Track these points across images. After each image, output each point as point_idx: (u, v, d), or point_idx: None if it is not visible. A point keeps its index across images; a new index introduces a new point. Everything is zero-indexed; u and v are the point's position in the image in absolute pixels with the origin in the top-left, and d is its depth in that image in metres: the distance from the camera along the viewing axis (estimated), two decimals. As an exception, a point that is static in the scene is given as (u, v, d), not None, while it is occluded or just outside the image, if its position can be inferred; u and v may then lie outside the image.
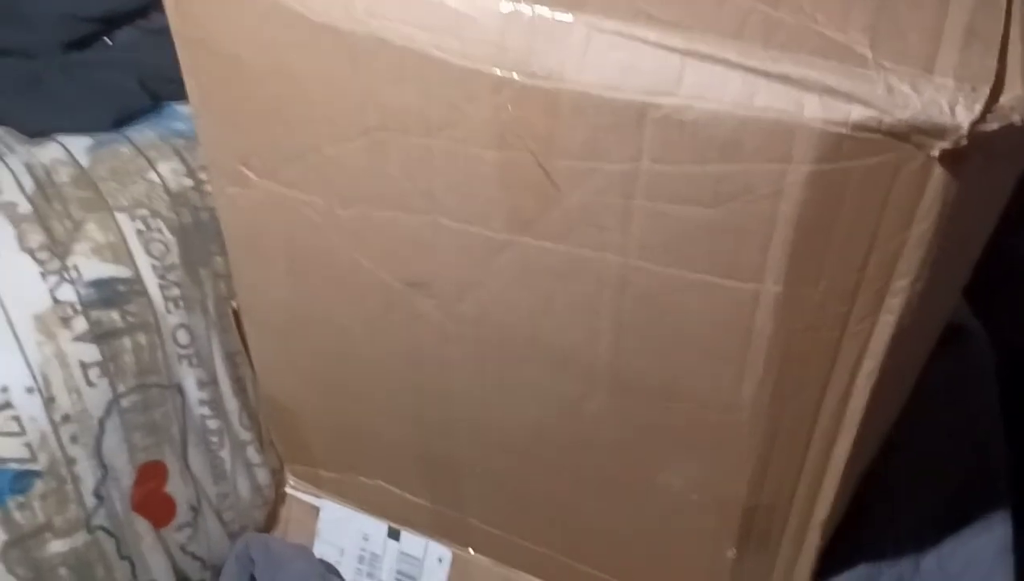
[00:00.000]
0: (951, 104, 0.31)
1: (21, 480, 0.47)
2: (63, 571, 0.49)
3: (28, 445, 0.48)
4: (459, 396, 0.50)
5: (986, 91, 0.31)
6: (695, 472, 0.46)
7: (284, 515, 0.64)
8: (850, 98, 0.32)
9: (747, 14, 0.35)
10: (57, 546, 0.49)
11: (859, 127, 0.32)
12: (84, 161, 0.57)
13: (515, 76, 0.36)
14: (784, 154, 0.34)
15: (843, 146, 0.33)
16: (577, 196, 0.39)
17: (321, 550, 0.63)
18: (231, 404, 0.58)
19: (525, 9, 0.36)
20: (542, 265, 0.42)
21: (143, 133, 0.60)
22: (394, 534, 0.61)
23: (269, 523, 0.63)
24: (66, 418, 0.49)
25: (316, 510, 0.63)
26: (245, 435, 0.59)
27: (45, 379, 0.48)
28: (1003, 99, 0.32)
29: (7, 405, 0.47)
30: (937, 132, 0.31)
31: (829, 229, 0.35)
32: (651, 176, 0.37)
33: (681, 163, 0.36)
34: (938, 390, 0.51)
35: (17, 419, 0.47)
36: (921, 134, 0.32)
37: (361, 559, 0.62)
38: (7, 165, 0.56)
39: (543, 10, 0.36)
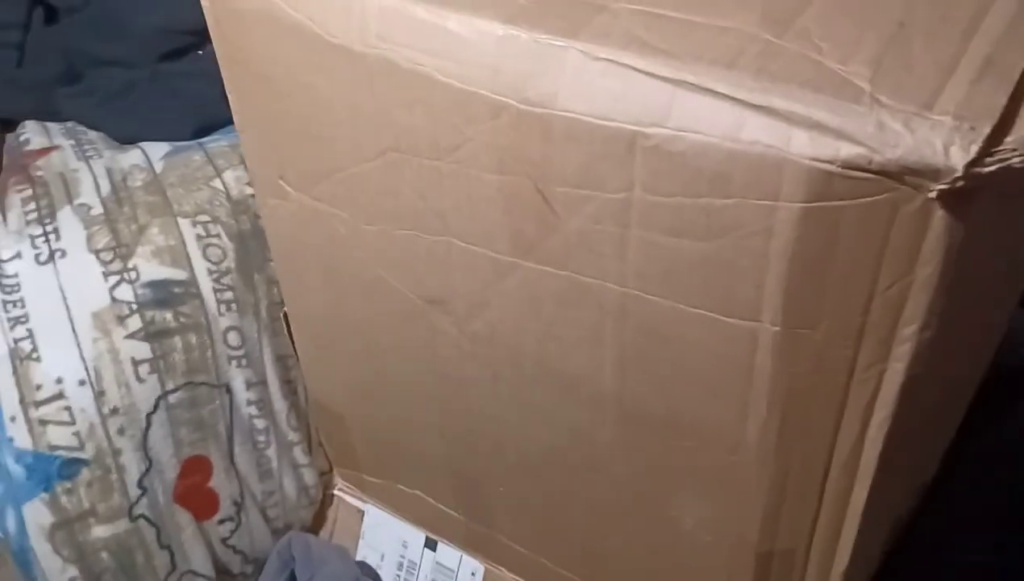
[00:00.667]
0: (946, 144, 0.29)
1: (69, 467, 0.51)
2: (104, 555, 0.53)
3: (77, 434, 0.51)
4: (478, 414, 0.50)
5: (986, 130, 0.29)
6: (705, 511, 0.44)
7: (332, 516, 0.66)
8: (839, 134, 0.30)
9: (747, 42, 0.33)
10: (100, 531, 0.52)
11: (849, 165, 0.30)
12: (158, 167, 0.60)
13: (511, 101, 0.36)
14: (773, 190, 0.32)
15: (834, 184, 0.31)
16: (575, 222, 0.38)
17: (364, 553, 0.64)
18: (279, 405, 0.60)
19: (521, 34, 0.36)
20: (546, 289, 0.41)
21: (218, 142, 0.63)
22: (431, 544, 0.62)
23: (317, 522, 0.65)
24: (115, 411, 0.52)
25: (361, 513, 0.65)
26: (293, 436, 0.62)
27: (97, 373, 0.52)
28: (1009, 138, 0.29)
29: (60, 396, 0.51)
30: (931, 173, 0.29)
31: (825, 269, 0.33)
32: (644, 206, 0.36)
33: (672, 194, 0.34)
34: (1000, 445, 0.47)
35: (68, 410, 0.51)
36: (915, 175, 0.30)
37: (400, 565, 0.63)
38: (91, 169, 0.60)
39: (538, 35, 0.35)
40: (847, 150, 0.30)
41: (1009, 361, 0.46)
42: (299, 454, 0.62)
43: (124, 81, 0.70)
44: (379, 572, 0.63)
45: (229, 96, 0.49)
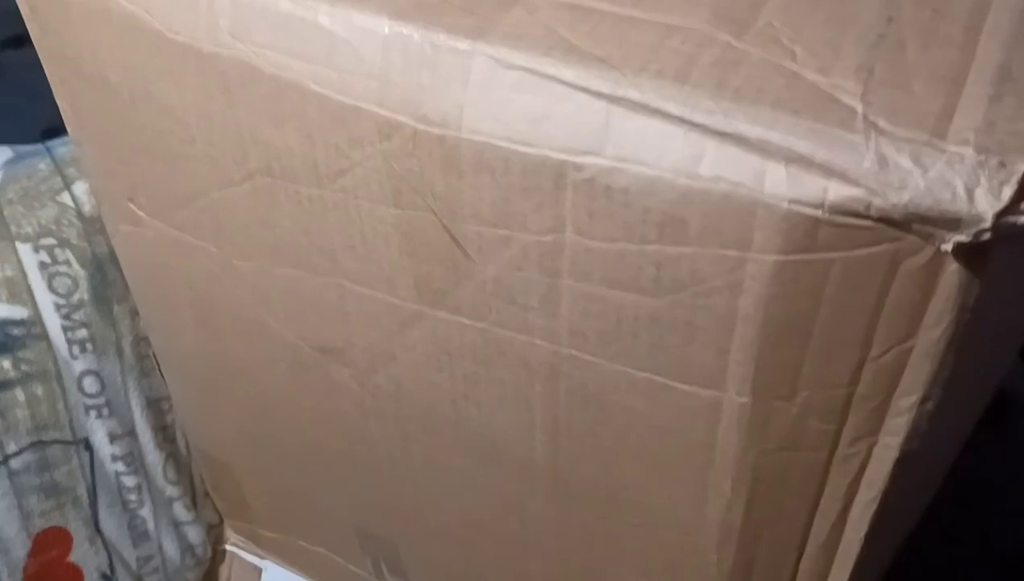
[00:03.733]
0: (969, 185, 0.22)
1: None
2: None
3: None
4: (388, 475, 0.43)
5: (1021, 167, 0.22)
6: (654, 592, 0.38)
7: (225, 573, 0.57)
8: (826, 171, 0.23)
9: (700, 45, 0.26)
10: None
11: (840, 209, 0.24)
12: (-4, 179, 0.50)
13: (405, 119, 0.28)
14: (741, 239, 0.25)
15: (820, 233, 0.24)
16: (492, 268, 0.31)
17: (265, 613, 0.57)
18: (153, 457, 0.52)
19: (413, 33, 0.28)
20: (460, 344, 0.34)
21: (68, 146, 0.53)
22: (341, 604, 0.54)
23: (209, 582, 0.57)
24: (-60, 486, 0.43)
25: (259, 571, 0.57)
26: (171, 491, 0.53)
27: (-85, 443, 0.42)
28: (1046, 177, 0.23)
29: None
30: (948, 222, 0.23)
31: (805, 333, 0.27)
32: (578, 252, 0.28)
33: (613, 240, 0.27)
34: (978, 482, 0.42)
35: None
36: (926, 224, 0.23)
37: (306, 627, 0.55)
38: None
39: (435, 35, 0.27)
40: (838, 191, 0.23)
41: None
42: (181, 510, 0.54)
43: (-42, 72, 0.60)
44: (282, 635, 0.56)
45: (59, 102, 0.39)
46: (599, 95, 0.26)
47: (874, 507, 0.31)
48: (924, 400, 0.27)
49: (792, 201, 0.24)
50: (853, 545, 0.32)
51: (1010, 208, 0.22)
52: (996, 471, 0.42)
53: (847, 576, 0.34)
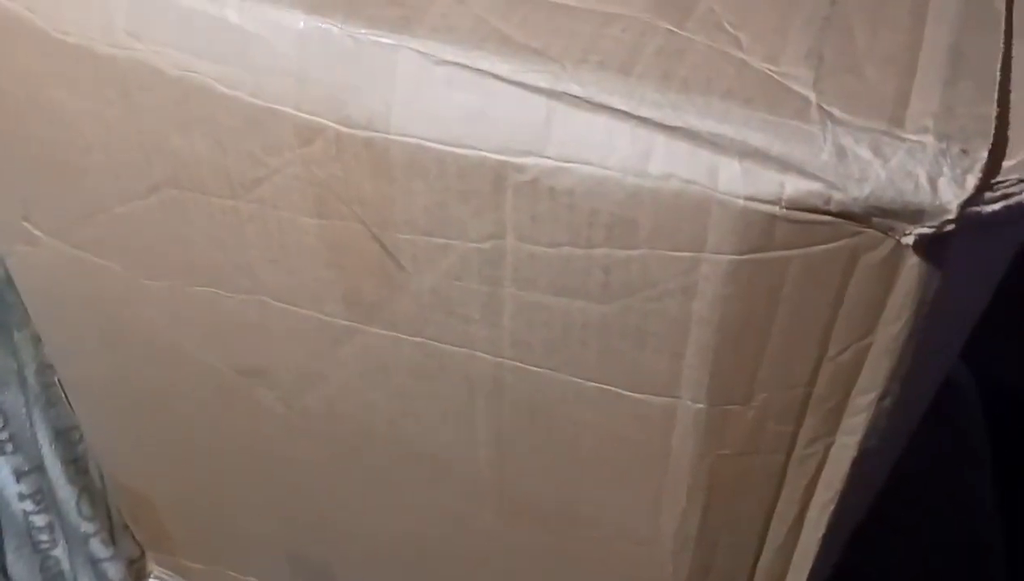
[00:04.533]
0: (931, 175, 0.21)
1: None
2: None
3: None
4: (321, 497, 0.40)
5: (982, 154, 0.21)
6: (609, 606, 0.36)
7: (149, 609, 0.54)
8: (783, 165, 0.22)
9: (641, 34, 0.25)
10: None
11: (797, 205, 0.22)
12: None
13: (327, 122, 0.26)
14: (694, 239, 0.24)
15: (776, 230, 0.23)
16: (428, 279, 0.29)
17: (194, 648, 0.53)
18: (65, 493, 0.48)
19: (332, 27, 0.25)
20: (396, 360, 0.32)
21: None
22: (276, 633, 0.52)
23: (131, 618, 0.54)
24: None
25: (186, 603, 0.53)
26: (87, 527, 0.49)
27: None
28: (1009, 163, 0.22)
29: None
30: (911, 215, 0.22)
31: (762, 334, 0.25)
32: (520, 258, 0.26)
33: (558, 244, 0.26)
34: (921, 471, 0.42)
35: None
36: (887, 217, 0.22)
37: (240, 660, 0.52)
38: None
39: (355, 28, 0.25)
40: (795, 186, 0.22)
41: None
42: (98, 547, 0.50)
43: None
44: (215, 670, 0.53)
45: (-63, 112, 0.36)
46: (538, 90, 0.24)
47: (831, 507, 0.30)
48: (882, 397, 0.26)
49: (748, 198, 0.22)
50: (810, 547, 0.32)
51: (974, 197, 0.21)
52: (943, 459, 0.42)
53: (804, 578, 0.33)
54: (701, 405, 0.27)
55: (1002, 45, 0.24)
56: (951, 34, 0.25)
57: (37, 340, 0.46)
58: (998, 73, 0.23)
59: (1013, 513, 0.44)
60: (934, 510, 0.43)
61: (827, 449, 0.28)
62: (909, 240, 0.22)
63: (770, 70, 0.24)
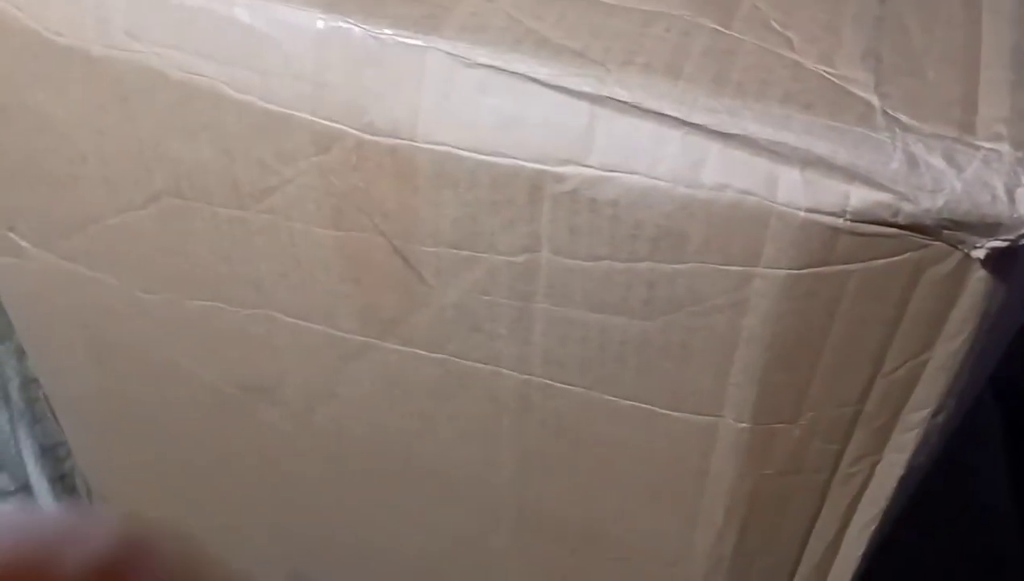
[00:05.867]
0: (1009, 186, 0.20)
1: None
2: None
3: None
4: (327, 516, 0.39)
5: (1062, 163, 0.20)
6: (634, 626, 0.35)
7: (140, 629, 0.52)
8: (849, 175, 0.21)
9: (687, 35, 0.23)
10: None
11: (863, 217, 0.21)
12: None
13: (347, 128, 0.24)
14: (749, 253, 0.22)
15: (838, 244, 0.22)
16: (453, 294, 0.27)
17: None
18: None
19: (353, 27, 0.24)
20: (413, 378, 0.30)
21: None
22: (274, 652, 0.50)
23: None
24: None
25: (179, 622, 0.51)
26: (75, 547, 0.47)
27: None
28: (1084, 172, 0.21)
29: None
30: (987, 228, 0.20)
31: (815, 352, 0.24)
32: (555, 272, 0.25)
33: (598, 258, 0.24)
34: (947, 474, 0.41)
35: None
36: (959, 229, 0.21)
37: (237, 680, 0.50)
38: None
39: (380, 29, 0.23)
40: (862, 197, 0.21)
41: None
42: (87, 567, 0.48)
43: None
44: None
45: (-87, 118, 0.33)
46: (580, 95, 0.22)
47: (874, 526, 0.29)
48: (936, 413, 0.25)
49: (809, 209, 0.21)
50: (849, 564, 0.30)
51: (1053, 208, 0.20)
52: (960, 469, 0.41)
53: (840, 595, 0.32)
54: (745, 424, 0.26)
55: (1065, 44, 0.23)
56: (1011, 31, 0.23)
57: (21, 353, 0.43)
58: (1067, 74, 0.22)
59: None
60: (951, 519, 0.42)
61: (873, 467, 0.27)
62: (980, 254, 0.21)
63: (827, 72, 0.22)
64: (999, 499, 0.43)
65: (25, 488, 0.45)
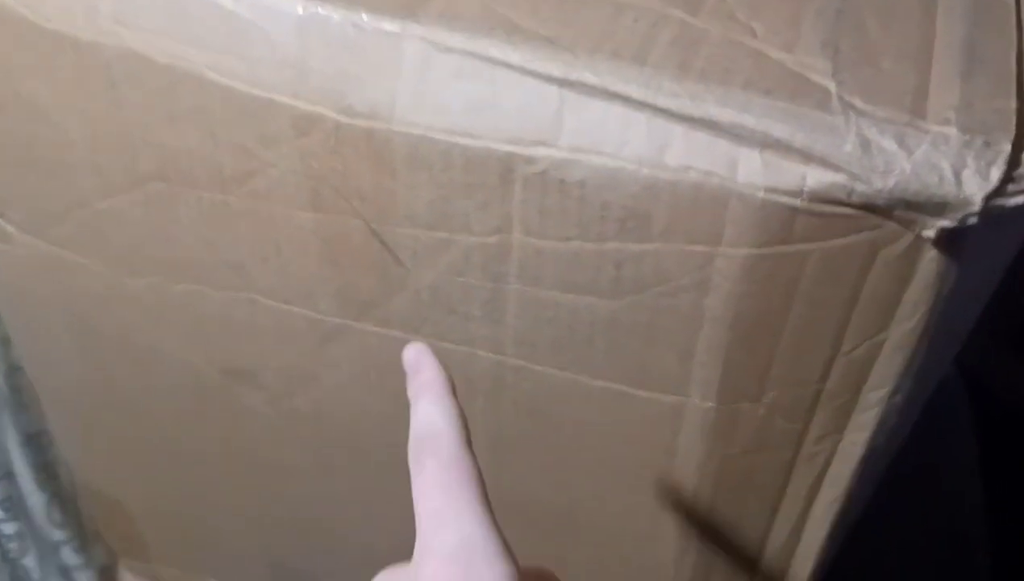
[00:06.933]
0: (956, 167, 0.21)
1: None
2: None
3: None
4: (309, 502, 0.39)
5: (1005, 147, 0.21)
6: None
7: (122, 617, 0.52)
8: (806, 156, 0.22)
9: (655, 24, 0.24)
10: None
11: (819, 198, 0.22)
12: None
13: (326, 112, 0.25)
14: (711, 232, 0.23)
15: (795, 223, 0.22)
16: (428, 275, 0.28)
17: (168, 658, 0.52)
18: (35, 499, 0.46)
19: (330, 14, 0.24)
20: (390, 359, 0.30)
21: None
22: (255, 642, 0.50)
23: (104, 628, 0.52)
24: None
25: (160, 612, 0.52)
26: (57, 534, 0.48)
27: None
28: (1028, 156, 0.22)
29: None
30: (935, 207, 0.21)
31: (776, 331, 0.25)
32: (526, 253, 0.26)
33: (567, 238, 0.25)
34: (909, 469, 0.42)
35: None
36: (910, 210, 0.21)
37: (217, 670, 0.51)
38: None
39: (359, 15, 0.24)
40: (818, 177, 0.22)
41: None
42: (69, 554, 0.48)
43: None
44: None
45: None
46: (550, 79, 0.23)
47: (837, 506, 0.30)
48: (893, 393, 0.26)
49: (768, 189, 0.22)
50: (814, 545, 0.31)
51: (998, 190, 0.21)
52: (931, 458, 0.42)
53: (808, 575, 0.33)
54: (710, 403, 0.27)
55: (1015, 39, 0.24)
56: (963, 27, 0.24)
57: (6, 341, 0.44)
58: (1014, 66, 0.23)
59: (999, 511, 0.45)
60: (922, 506, 0.43)
61: (835, 446, 0.28)
62: (930, 233, 0.22)
63: (787, 60, 0.23)
64: (968, 490, 0.44)
65: (8, 475, 0.45)
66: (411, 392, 0.21)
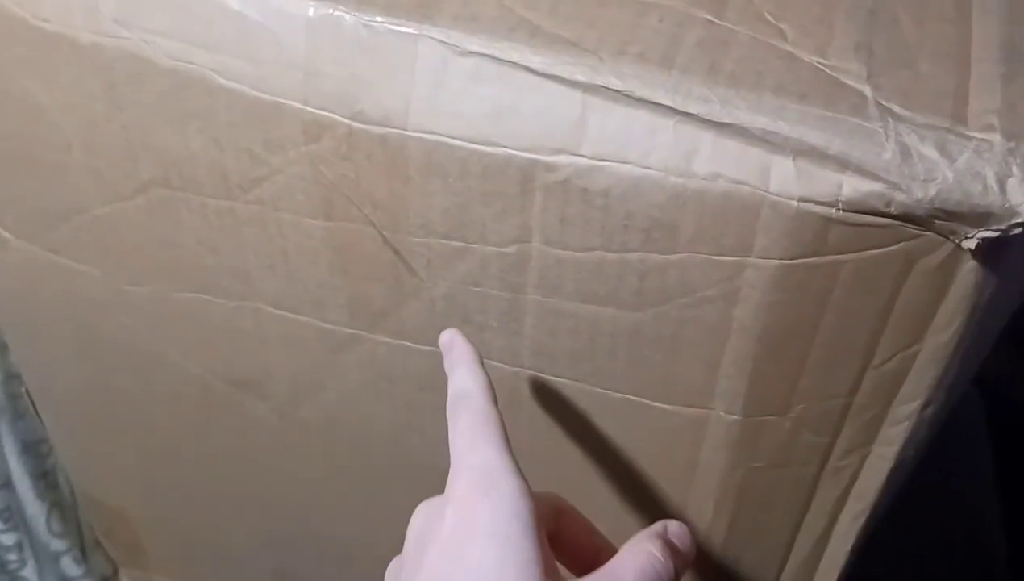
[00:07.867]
0: (1000, 176, 0.20)
1: None
2: None
3: None
4: (314, 511, 0.38)
5: (1053, 154, 0.20)
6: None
7: (122, 627, 0.51)
8: (842, 164, 0.21)
9: (681, 25, 0.23)
10: None
11: (856, 207, 0.21)
12: None
13: (338, 117, 0.24)
14: (740, 242, 0.22)
15: (830, 233, 0.22)
16: (443, 285, 0.27)
17: (170, 667, 0.51)
18: (34, 509, 0.45)
19: (342, 15, 0.23)
20: (401, 370, 0.30)
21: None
22: (258, 651, 0.49)
23: (104, 637, 0.51)
24: None
25: (161, 621, 0.51)
26: (57, 544, 0.47)
27: None
28: (1074, 163, 0.21)
29: None
30: (978, 218, 0.20)
31: (806, 343, 0.24)
32: (546, 263, 0.25)
33: (589, 248, 0.24)
34: (926, 478, 0.41)
35: None
36: (952, 219, 0.21)
37: (220, 679, 0.50)
38: None
39: (372, 16, 0.23)
40: (855, 186, 0.21)
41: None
42: (69, 564, 0.47)
43: None
44: None
45: None
46: (573, 84, 0.22)
47: (862, 520, 0.29)
48: (925, 406, 0.25)
49: (802, 199, 0.21)
50: (837, 559, 0.30)
51: (1045, 199, 0.20)
52: (948, 467, 0.41)
53: (829, 589, 0.32)
54: (735, 416, 0.26)
55: (1055, 38, 0.23)
56: (1001, 25, 0.23)
57: (4, 348, 0.43)
58: (1056, 68, 0.22)
59: (1017, 521, 0.44)
60: (939, 515, 0.42)
61: (863, 460, 0.27)
62: (971, 244, 0.21)
63: (820, 64, 0.22)
64: (985, 498, 0.43)
65: (7, 485, 0.44)
66: (447, 365, 0.25)
